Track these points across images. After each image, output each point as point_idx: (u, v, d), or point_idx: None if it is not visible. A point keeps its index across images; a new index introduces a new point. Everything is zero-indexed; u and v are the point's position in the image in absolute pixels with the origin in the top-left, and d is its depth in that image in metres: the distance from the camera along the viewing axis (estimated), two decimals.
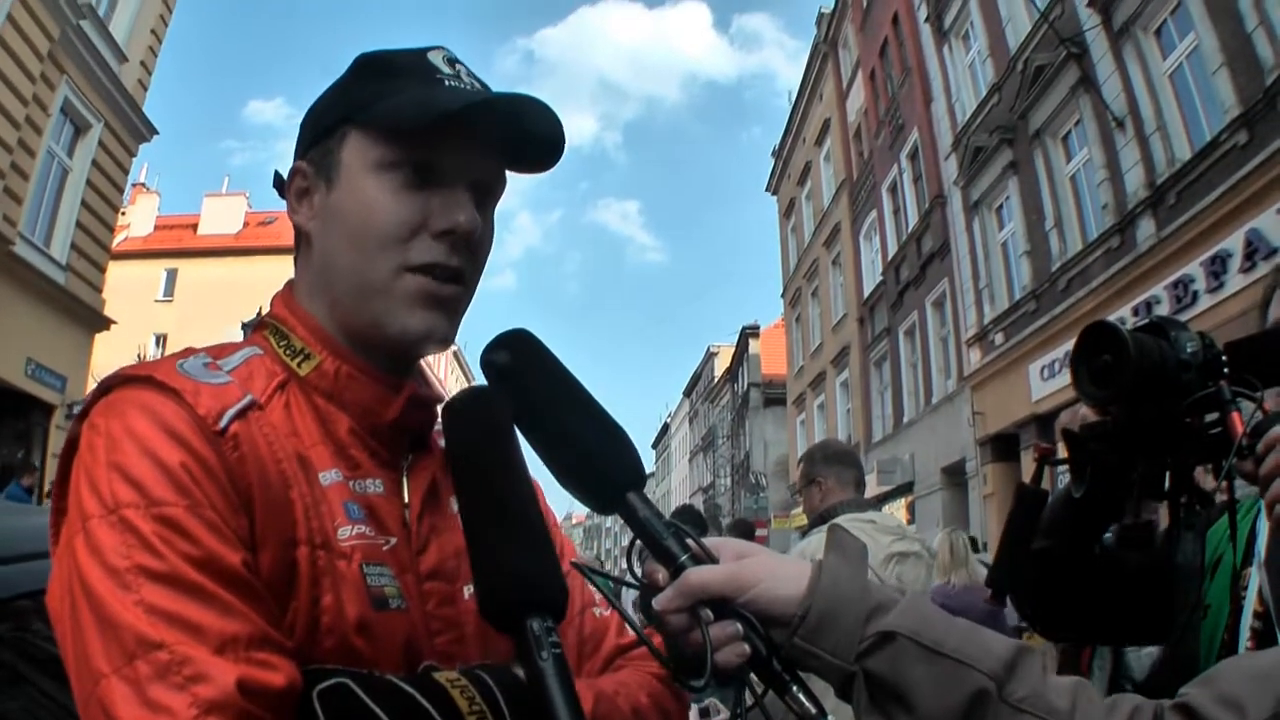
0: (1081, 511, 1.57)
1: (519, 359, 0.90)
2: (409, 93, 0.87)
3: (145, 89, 16.50)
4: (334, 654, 0.77)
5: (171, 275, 33.28)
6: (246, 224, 35.61)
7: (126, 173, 16.88)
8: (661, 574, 0.85)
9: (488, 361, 0.91)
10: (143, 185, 35.42)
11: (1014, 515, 1.67)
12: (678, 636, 0.84)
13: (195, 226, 35.75)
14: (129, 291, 24.75)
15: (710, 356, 46.85)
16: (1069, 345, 7.63)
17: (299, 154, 0.95)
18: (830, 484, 3.38)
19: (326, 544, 0.81)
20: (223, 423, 0.78)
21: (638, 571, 0.87)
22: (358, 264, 0.89)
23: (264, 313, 0.98)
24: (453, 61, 0.93)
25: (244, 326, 15.44)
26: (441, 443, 0.97)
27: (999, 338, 15.76)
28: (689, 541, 0.86)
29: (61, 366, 14.57)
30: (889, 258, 21.53)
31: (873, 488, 21.17)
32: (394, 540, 0.87)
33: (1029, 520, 1.61)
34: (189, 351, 0.87)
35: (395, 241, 0.88)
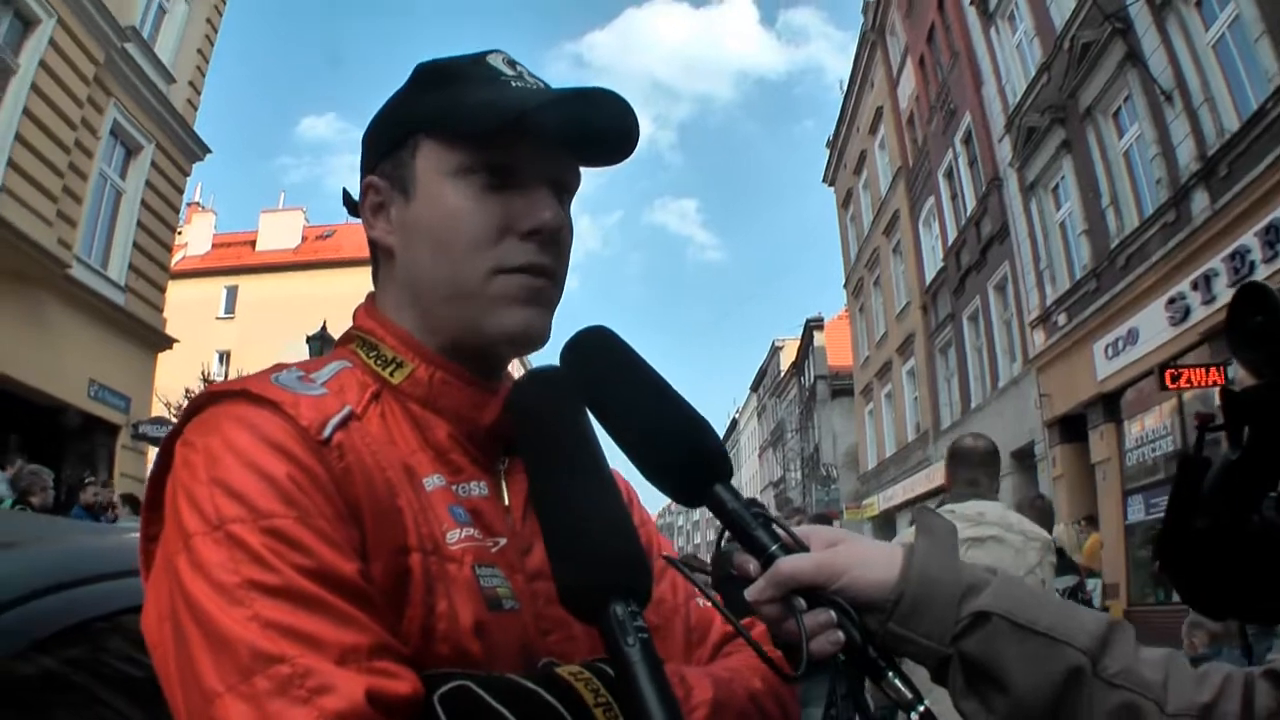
0: (1239, 478, 1.52)
1: (588, 357, 0.89)
2: (480, 97, 0.87)
3: (195, 109, 16.66)
4: (449, 659, 0.76)
5: (232, 292, 33.52)
6: (305, 238, 35.71)
7: (181, 192, 16.93)
8: (753, 565, 0.84)
9: (562, 360, 0.91)
10: (198, 204, 35.62)
11: (1178, 487, 1.62)
12: (772, 627, 0.84)
13: (253, 243, 35.93)
14: (190, 310, 24.92)
15: (775, 351, 46.80)
16: (1132, 322, 7.89)
17: (368, 169, 0.94)
18: (949, 481, 3.78)
19: (437, 549, 0.80)
20: (326, 433, 0.77)
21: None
22: (448, 272, 0.88)
23: (325, 326, 1.09)
24: (512, 63, 0.92)
25: (309, 340, 15.39)
26: None
27: (1062, 318, 15.64)
28: (779, 531, 0.85)
29: (125, 387, 14.65)
30: (949, 243, 21.41)
31: (942, 475, 20.99)
32: (503, 541, 0.86)
33: (1193, 491, 1.57)
34: (280, 366, 0.86)
35: (484, 246, 0.87)
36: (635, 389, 0.88)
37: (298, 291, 29.96)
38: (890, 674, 0.79)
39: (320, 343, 14.06)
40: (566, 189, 0.93)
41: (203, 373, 21.54)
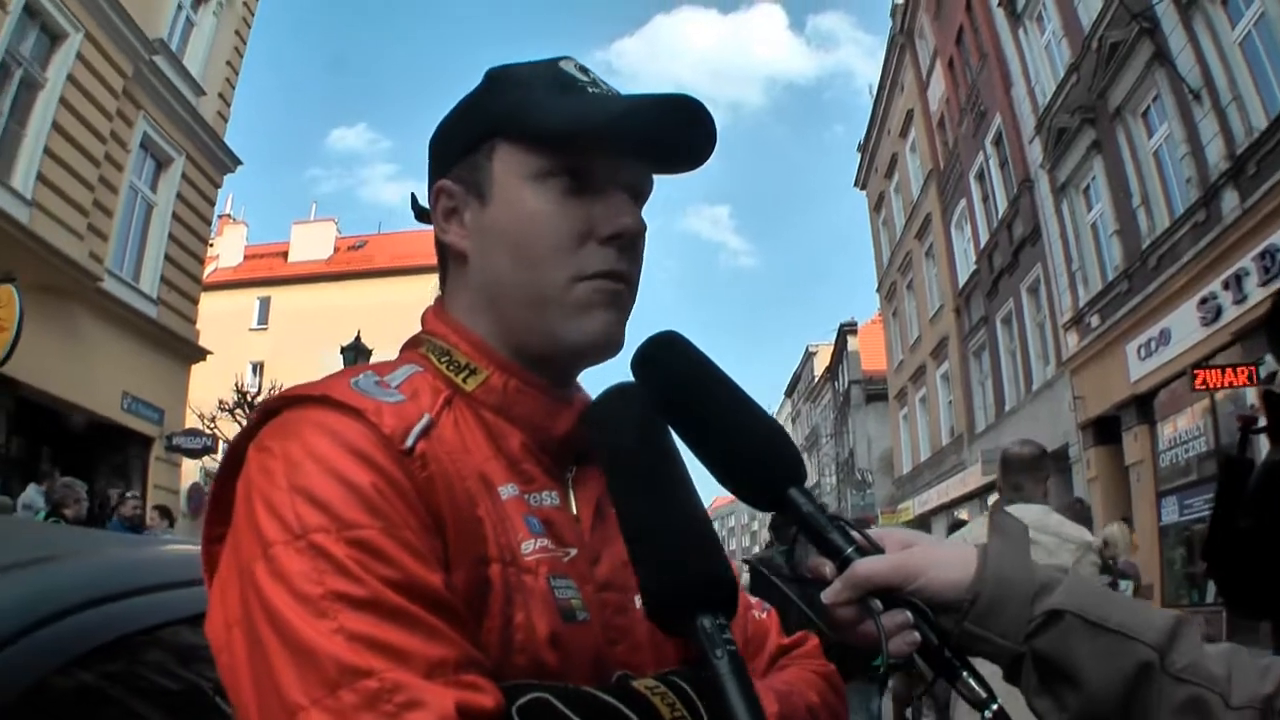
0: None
1: (661, 362, 0.89)
2: (562, 101, 0.87)
3: (225, 120, 16.67)
4: (526, 671, 0.75)
5: (264, 303, 33.38)
6: (337, 249, 35.57)
7: (212, 204, 16.90)
8: (828, 568, 0.85)
9: (635, 366, 0.90)
10: (229, 216, 35.25)
11: (1222, 487, 1.65)
12: (848, 630, 0.85)
13: (285, 254, 35.74)
14: (223, 321, 24.79)
15: (809, 356, 46.76)
16: (1164, 323, 8.06)
17: (438, 174, 0.93)
18: (999, 487, 4.03)
19: (514, 560, 0.79)
20: (409, 442, 0.76)
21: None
22: (528, 277, 0.87)
23: (359, 336, 1.07)
24: (584, 69, 0.92)
25: (343, 350, 15.31)
26: None
27: (1095, 320, 15.53)
28: (852, 533, 0.86)
29: (158, 399, 14.68)
30: (981, 246, 21.32)
31: (977, 478, 20.93)
32: (573, 552, 0.85)
33: (1237, 491, 1.59)
34: (355, 369, 0.84)
35: (565, 251, 0.86)
36: (711, 393, 0.88)
37: (330, 302, 30.12)
38: (965, 673, 0.80)
39: (355, 353, 14.10)
40: (640, 195, 0.92)
41: (236, 384, 21.47)
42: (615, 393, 0.86)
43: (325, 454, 0.72)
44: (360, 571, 0.67)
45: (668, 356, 0.89)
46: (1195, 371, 11.05)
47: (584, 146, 0.85)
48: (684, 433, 0.85)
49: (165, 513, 10.31)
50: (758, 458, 0.86)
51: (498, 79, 0.92)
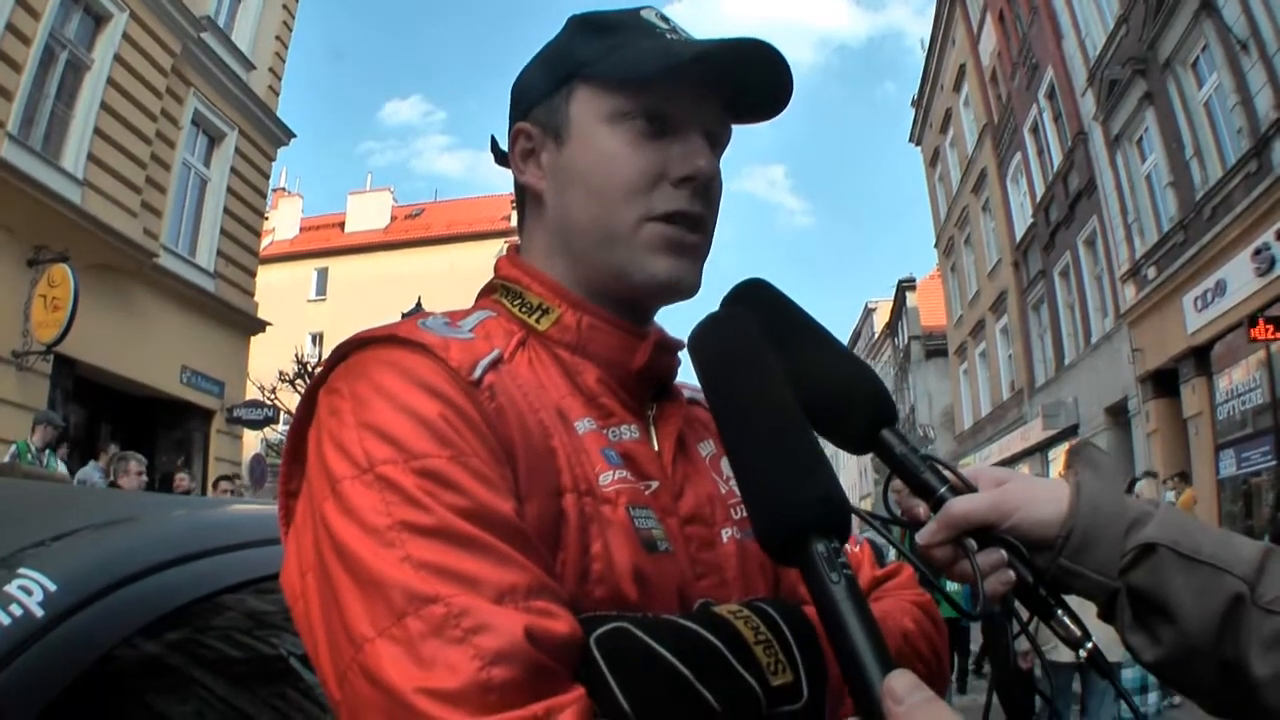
0: None
1: (755, 307, 0.89)
2: (639, 45, 0.87)
3: (277, 94, 16.56)
4: (606, 602, 0.74)
5: (322, 274, 33.47)
6: (393, 218, 35.56)
7: (266, 177, 16.75)
8: (922, 508, 0.85)
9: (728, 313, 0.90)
10: (284, 190, 35.45)
11: None
12: (944, 570, 0.83)
13: (342, 225, 35.76)
14: (281, 293, 25.00)
15: (869, 313, 46.54)
16: (1220, 274, 8.73)
17: (517, 117, 0.93)
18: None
19: (591, 491, 0.78)
20: (476, 373, 0.76)
21: (895, 509, 0.87)
22: (600, 217, 0.87)
23: (420, 302, 1.15)
24: (664, 18, 0.92)
25: (404, 318, 15.86)
26: (685, 394, 0.97)
27: (1151, 272, 15.46)
28: (946, 473, 0.84)
29: (218, 372, 14.67)
30: (1038, 199, 21.18)
31: (1038, 432, 20.99)
32: (655, 484, 0.84)
33: None
34: (426, 314, 0.85)
35: (637, 192, 0.86)
36: (799, 336, 0.88)
37: (389, 271, 30.20)
38: (1060, 611, 0.80)
39: None
40: (718, 143, 0.92)
41: (296, 355, 21.57)
42: (722, 320, 0.86)
43: (392, 389, 0.72)
44: (428, 500, 0.66)
45: (762, 302, 0.91)
46: (1261, 320, 11.08)
47: (661, 89, 0.85)
48: None
49: (229, 478, 9.88)
50: (850, 400, 0.85)
51: (580, 24, 0.92)
